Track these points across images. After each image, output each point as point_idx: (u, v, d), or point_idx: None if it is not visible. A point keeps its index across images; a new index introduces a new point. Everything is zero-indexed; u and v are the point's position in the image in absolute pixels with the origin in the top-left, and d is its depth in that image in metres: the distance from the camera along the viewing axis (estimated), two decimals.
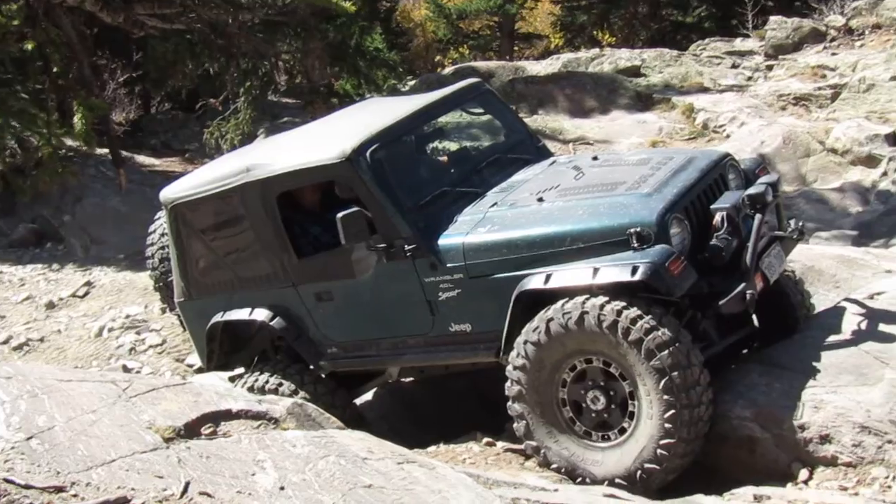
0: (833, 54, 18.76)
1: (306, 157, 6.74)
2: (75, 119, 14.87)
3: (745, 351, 6.75)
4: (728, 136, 16.17)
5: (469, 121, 7.81)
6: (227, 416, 5.16)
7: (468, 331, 6.35)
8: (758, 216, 5.94)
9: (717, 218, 5.92)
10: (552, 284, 5.84)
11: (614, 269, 5.63)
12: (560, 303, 5.76)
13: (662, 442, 5.53)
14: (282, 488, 4.34)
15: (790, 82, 17.74)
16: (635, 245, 5.62)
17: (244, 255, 7.18)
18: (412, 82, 21.78)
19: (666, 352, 5.45)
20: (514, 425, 6.06)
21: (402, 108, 7.16)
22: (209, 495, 4.21)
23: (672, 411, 5.47)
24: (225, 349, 7.54)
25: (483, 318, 6.25)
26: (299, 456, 4.66)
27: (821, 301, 7.36)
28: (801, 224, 6.63)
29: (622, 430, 5.75)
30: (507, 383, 5.98)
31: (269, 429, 5.14)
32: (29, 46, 15.04)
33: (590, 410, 5.82)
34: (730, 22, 24.03)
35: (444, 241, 6.28)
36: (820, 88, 16.96)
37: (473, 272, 6.17)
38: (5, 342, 10.80)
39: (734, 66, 19.91)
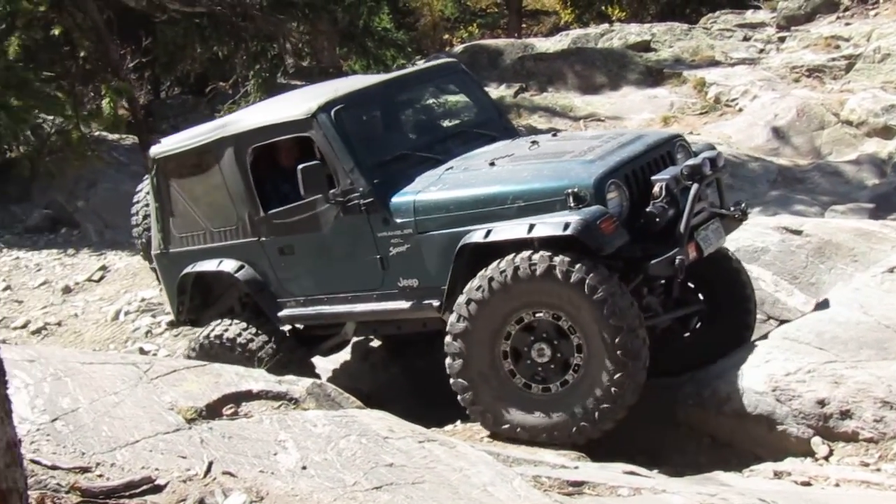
0: (847, 24, 18.59)
1: (276, 114, 7.23)
2: (103, 103, 14.99)
3: (686, 334, 6.98)
4: (741, 110, 16.10)
5: (442, 97, 8.23)
6: (248, 396, 5.18)
7: (415, 286, 6.62)
8: (694, 185, 6.17)
9: (656, 188, 6.17)
10: (492, 238, 6.12)
11: (548, 225, 5.94)
12: (506, 258, 5.98)
13: (616, 377, 5.74)
14: (304, 468, 4.36)
15: (803, 54, 17.61)
16: (571, 205, 5.92)
17: (216, 208, 7.46)
18: (421, 62, 21.70)
19: (606, 284, 5.71)
20: (460, 397, 6.25)
21: (375, 79, 7.66)
22: (232, 475, 4.23)
23: (619, 337, 5.70)
24: (196, 302, 7.82)
25: (429, 273, 6.51)
26: (320, 435, 4.67)
27: (839, 275, 7.33)
28: (743, 204, 6.90)
29: (564, 383, 5.94)
30: (448, 360, 6.19)
31: (289, 409, 5.16)
32: (56, 31, 15.28)
33: (535, 364, 6.02)
34: None
35: (397, 198, 6.58)
36: (834, 59, 16.84)
37: (422, 228, 6.48)
38: (24, 326, 10.90)
39: (746, 39, 19.78)
